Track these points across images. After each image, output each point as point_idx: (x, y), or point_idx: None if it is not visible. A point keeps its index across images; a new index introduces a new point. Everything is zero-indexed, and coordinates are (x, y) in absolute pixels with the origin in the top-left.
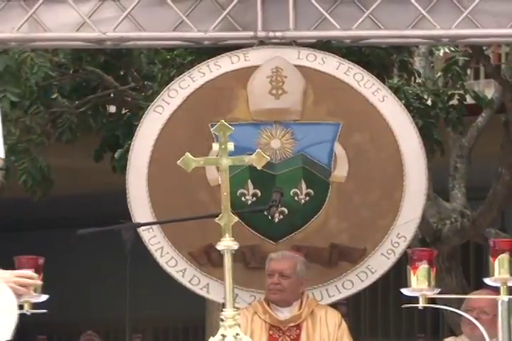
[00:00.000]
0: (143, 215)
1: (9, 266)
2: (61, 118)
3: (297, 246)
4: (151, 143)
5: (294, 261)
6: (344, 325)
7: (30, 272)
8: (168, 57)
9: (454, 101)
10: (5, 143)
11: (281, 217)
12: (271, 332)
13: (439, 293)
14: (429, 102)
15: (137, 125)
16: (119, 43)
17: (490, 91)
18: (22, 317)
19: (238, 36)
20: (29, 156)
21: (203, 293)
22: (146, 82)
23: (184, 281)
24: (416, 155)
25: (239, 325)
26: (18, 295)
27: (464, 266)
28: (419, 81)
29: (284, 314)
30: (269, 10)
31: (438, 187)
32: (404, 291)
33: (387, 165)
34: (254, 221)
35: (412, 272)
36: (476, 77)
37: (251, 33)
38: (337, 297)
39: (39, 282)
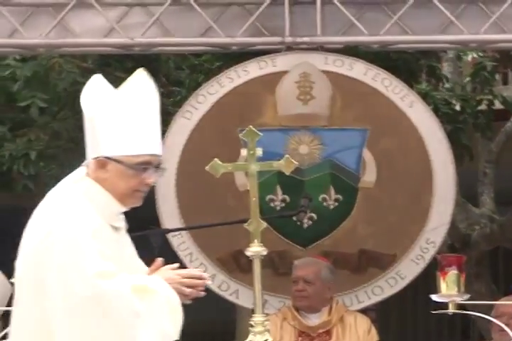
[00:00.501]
0: (171, 221)
1: None
2: None
3: (325, 252)
4: (179, 148)
5: (318, 266)
6: (374, 331)
7: (198, 271)
8: (196, 62)
9: (483, 107)
10: (33, 148)
11: (310, 222)
12: (300, 339)
13: (469, 299)
14: (457, 107)
15: (165, 131)
16: (147, 49)
17: None
18: None
19: (266, 42)
20: (57, 162)
21: (232, 298)
22: (174, 88)
23: (214, 287)
24: (444, 160)
25: (268, 331)
26: (185, 296)
27: (493, 271)
28: (448, 86)
29: (313, 320)
30: (297, 15)
31: (467, 193)
32: (434, 297)
33: (415, 171)
34: (283, 226)
35: (441, 278)
36: (505, 82)
37: (279, 39)
38: (366, 303)
39: (209, 282)
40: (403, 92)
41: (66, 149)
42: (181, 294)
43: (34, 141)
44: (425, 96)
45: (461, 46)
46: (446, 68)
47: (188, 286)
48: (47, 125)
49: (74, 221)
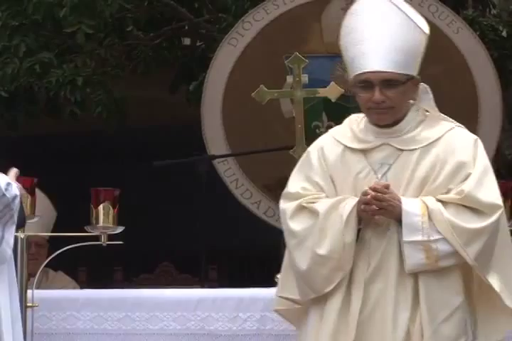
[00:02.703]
0: (217, 147)
1: (83, 194)
2: (136, 51)
3: None
4: (225, 75)
5: None
6: None
7: None
8: None
9: None
10: (80, 74)
11: None
12: None
13: None
14: (504, 34)
15: (211, 57)
16: None
17: None
18: (98, 248)
19: None
20: (104, 88)
21: (278, 224)
22: (220, 14)
23: (259, 213)
24: (491, 87)
25: None
26: None
27: None
28: (494, 12)
29: None
30: None
31: None
32: None
33: (461, 98)
34: None
35: None
36: None
37: None
38: None
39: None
40: (449, 18)
41: (112, 75)
42: None
43: (81, 67)
44: (472, 23)
45: None
46: None
47: None
48: (93, 51)
49: None
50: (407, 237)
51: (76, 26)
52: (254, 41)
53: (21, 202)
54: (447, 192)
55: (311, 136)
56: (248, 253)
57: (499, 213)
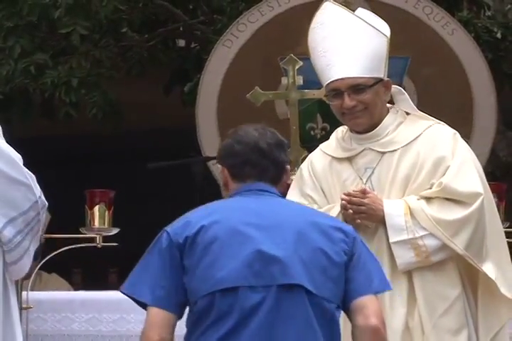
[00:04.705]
0: (212, 149)
1: (79, 197)
2: (131, 52)
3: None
4: (220, 77)
5: None
6: None
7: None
8: None
9: None
10: (75, 76)
11: None
12: None
13: (508, 227)
14: (498, 35)
15: (206, 59)
16: None
17: None
18: (93, 250)
19: None
20: (99, 89)
21: None
22: (215, 16)
23: None
24: (485, 88)
25: None
26: None
27: None
28: (489, 14)
29: None
30: None
31: (507, 121)
32: None
33: (456, 99)
34: None
35: None
36: None
37: None
38: None
39: None
40: (444, 20)
41: (107, 77)
42: None
43: (76, 68)
44: (466, 24)
45: None
46: None
47: None
48: (88, 52)
49: None
50: (393, 238)
51: (71, 27)
52: (249, 43)
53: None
54: (430, 188)
55: (306, 138)
56: None
57: (480, 200)
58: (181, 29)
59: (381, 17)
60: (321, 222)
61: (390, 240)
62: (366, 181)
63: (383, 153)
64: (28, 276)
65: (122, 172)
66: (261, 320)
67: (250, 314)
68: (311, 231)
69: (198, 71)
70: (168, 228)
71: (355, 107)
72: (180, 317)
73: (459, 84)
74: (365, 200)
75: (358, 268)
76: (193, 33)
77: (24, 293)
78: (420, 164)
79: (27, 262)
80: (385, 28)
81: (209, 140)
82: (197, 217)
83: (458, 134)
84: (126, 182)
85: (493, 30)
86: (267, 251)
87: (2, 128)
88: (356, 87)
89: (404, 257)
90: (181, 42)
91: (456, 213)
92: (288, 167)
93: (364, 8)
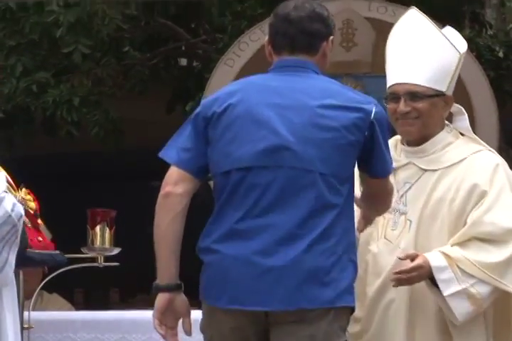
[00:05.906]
0: None
1: (80, 216)
2: (133, 70)
3: None
4: None
5: None
6: None
7: None
8: (239, 9)
9: None
10: (77, 94)
11: None
12: None
13: None
14: (500, 54)
15: (208, 77)
16: None
17: None
18: (94, 269)
19: None
20: (101, 108)
21: None
22: (216, 35)
23: None
24: (487, 107)
25: None
26: None
27: None
28: (491, 32)
29: None
30: None
31: (510, 139)
32: None
33: None
34: None
35: None
36: None
37: None
38: None
39: None
40: None
41: (109, 95)
42: None
43: (77, 87)
44: (468, 43)
45: None
46: (489, 14)
47: None
48: (90, 71)
49: None
50: (447, 291)
51: (73, 46)
52: (251, 61)
53: (24, 223)
54: (463, 216)
55: None
56: None
57: None
58: (183, 48)
59: (383, 35)
60: (340, 101)
61: (445, 293)
62: (402, 196)
63: (425, 170)
64: (29, 296)
65: (124, 191)
66: (273, 195)
67: (264, 190)
68: (328, 111)
69: (199, 90)
70: (203, 100)
71: (409, 113)
72: (199, 182)
73: (461, 103)
74: (414, 274)
75: (374, 151)
76: (194, 51)
77: (26, 313)
78: (456, 188)
79: (9, 271)
80: (462, 45)
81: None
82: (225, 94)
83: (502, 165)
84: (127, 202)
85: (495, 49)
86: (282, 133)
87: (4, 146)
88: (414, 93)
89: (462, 308)
90: (183, 61)
91: (497, 255)
92: (331, 37)
93: (365, 26)
